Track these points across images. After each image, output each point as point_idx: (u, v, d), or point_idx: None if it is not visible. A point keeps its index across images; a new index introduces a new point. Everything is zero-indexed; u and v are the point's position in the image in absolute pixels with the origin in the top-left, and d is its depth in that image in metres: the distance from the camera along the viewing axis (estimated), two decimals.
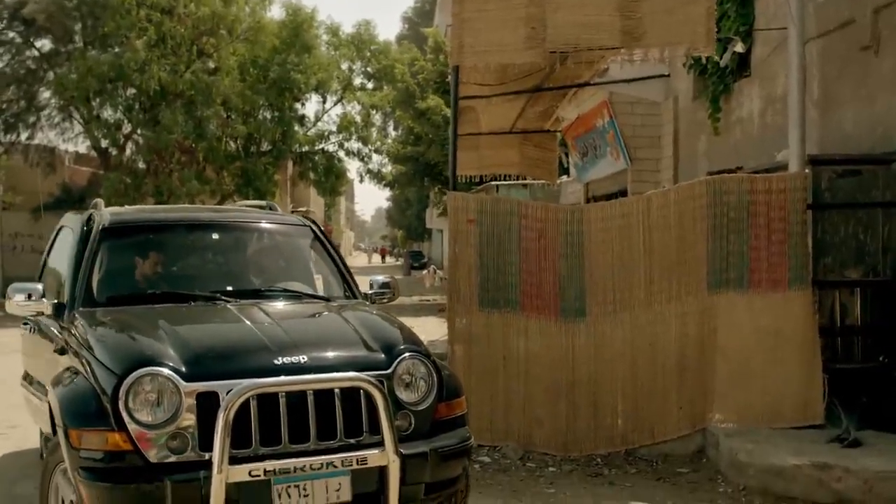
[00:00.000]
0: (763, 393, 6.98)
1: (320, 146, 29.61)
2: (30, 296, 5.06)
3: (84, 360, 4.33)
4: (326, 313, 5.10)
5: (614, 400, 7.13)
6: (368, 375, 4.19)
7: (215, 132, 25.52)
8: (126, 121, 25.93)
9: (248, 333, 4.43)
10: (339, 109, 30.09)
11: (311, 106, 33.65)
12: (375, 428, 4.16)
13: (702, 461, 7.01)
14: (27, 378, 6.25)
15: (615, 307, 7.09)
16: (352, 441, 4.13)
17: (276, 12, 28.64)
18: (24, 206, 27.63)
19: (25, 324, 6.27)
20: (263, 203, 6.80)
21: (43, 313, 5.12)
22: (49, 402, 4.53)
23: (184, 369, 3.99)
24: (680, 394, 7.09)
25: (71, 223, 6.33)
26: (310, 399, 4.06)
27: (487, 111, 14.56)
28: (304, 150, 29.16)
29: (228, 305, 4.98)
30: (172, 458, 3.89)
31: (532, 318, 7.15)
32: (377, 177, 31.07)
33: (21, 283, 5.20)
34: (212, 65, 25.96)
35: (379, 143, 29.39)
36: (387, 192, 75.43)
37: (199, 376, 3.99)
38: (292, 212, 31.82)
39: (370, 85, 30.39)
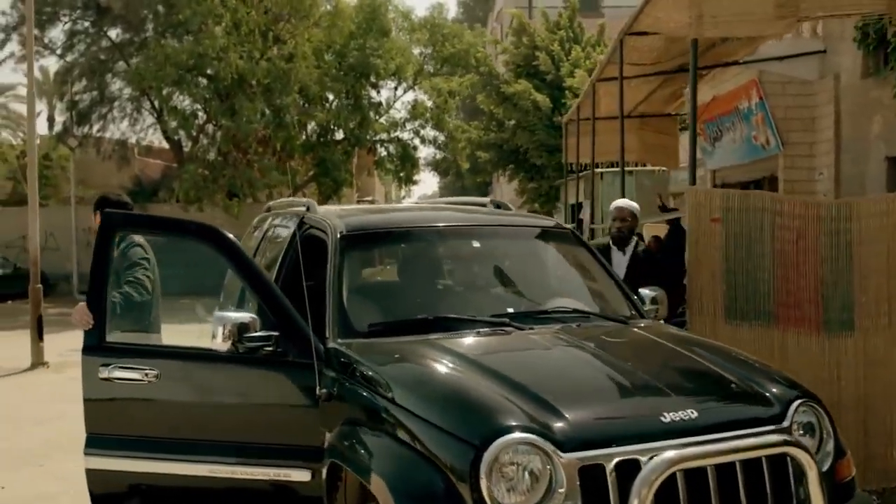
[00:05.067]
0: None
1: (395, 134, 28.63)
2: (245, 326, 4.00)
3: (394, 417, 3.35)
4: (658, 343, 4.12)
5: (889, 427, 6.09)
6: (769, 433, 3.22)
7: (293, 121, 24.62)
8: (202, 111, 25.12)
9: (605, 378, 3.46)
10: (409, 96, 29.12)
11: (383, 93, 32.93)
12: (781, 500, 3.20)
13: None
14: None
15: (890, 319, 6.04)
16: None
17: None
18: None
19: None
20: (485, 200, 5.80)
21: (264, 348, 3.99)
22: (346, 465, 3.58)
23: (556, 434, 3.02)
24: None
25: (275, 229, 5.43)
26: (710, 470, 3.08)
27: (608, 95, 13.57)
28: (379, 137, 28.21)
29: (530, 335, 4.01)
30: None
31: (789, 332, 6.13)
32: (452, 165, 30.07)
33: (227, 313, 4.11)
34: (286, 51, 25.04)
35: (461, 130, 28.27)
36: (436, 179, 74.18)
37: (579, 443, 3.02)
38: (358, 201, 30.94)
39: (443, 70, 29.32)
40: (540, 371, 3.64)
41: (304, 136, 26.75)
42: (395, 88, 29.10)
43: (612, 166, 17.76)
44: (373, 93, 27.61)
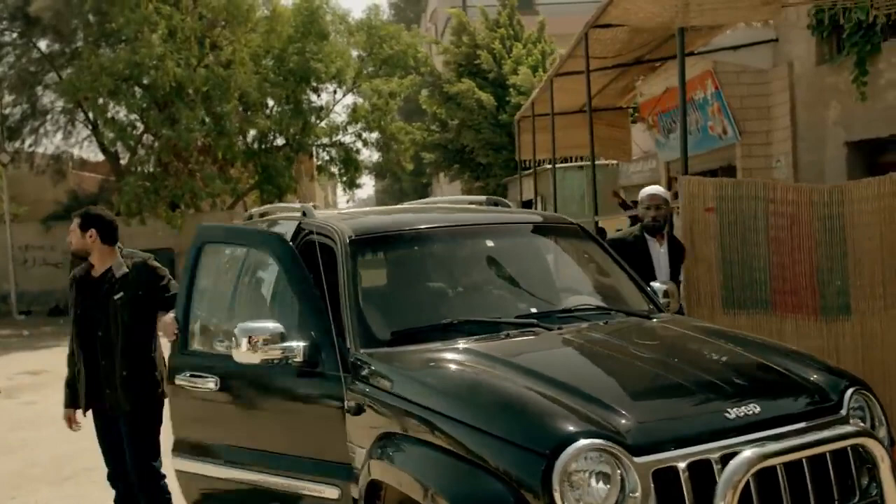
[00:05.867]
0: None
1: (337, 138, 28.28)
2: (266, 340, 3.87)
3: (442, 429, 3.16)
4: (693, 336, 4.01)
5: (889, 410, 6.08)
6: (834, 424, 3.14)
7: (234, 128, 24.15)
8: (139, 121, 24.48)
9: (656, 376, 3.34)
10: (349, 100, 28.81)
11: (323, 97, 31.89)
12: (846, 491, 3.11)
13: None
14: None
15: (886, 302, 6.05)
16: None
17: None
18: (32, 217, 26.16)
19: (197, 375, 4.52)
20: (482, 198, 5.62)
21: (288, 360, 3.90)
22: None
23: (626, 438, 2.88)
24: None
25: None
26: (779, 467, 2.97)
27: (561, 90, 13.57)
28: (321, 142, 27.85)
29: (561, 335, 3.86)
30: None
31: (787, 319, 6.13)
32: (396, 167, 29.76)
33: (251, 324, 3.96)
34: (224, 58, 24.53)
35: (404, 131, 28.02)
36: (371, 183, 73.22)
37: (649, 446, 2.88)
38: None
39: (381, 72, 29.02)
40: (587, 372, 3.50)
41: (244, 144, 26.28)
42: (335, 92, 28.78)
43: (565, 161, 17.78)
44: (313, 97, 27.25)
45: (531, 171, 19.59)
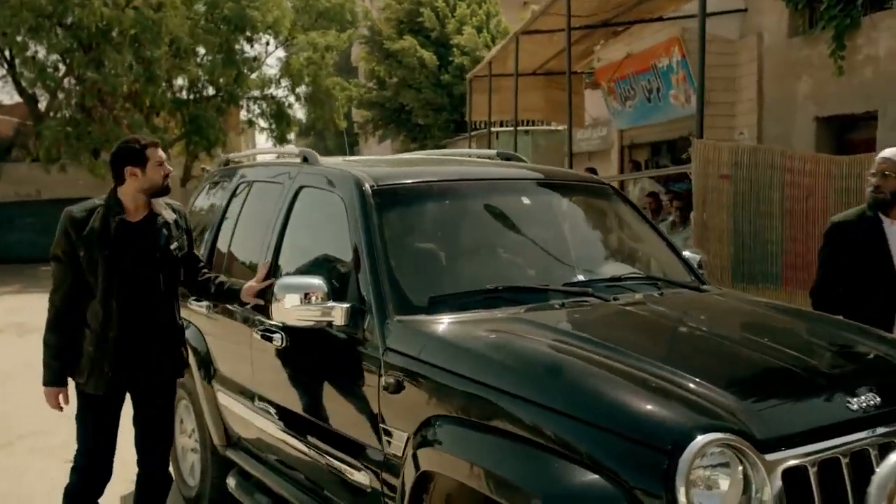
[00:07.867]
0: None
1: (269, 91, 27.30)
2: (307, 296, 3.43)
3: (519, 415, 2.70)
4: (767, 314, 3.62)
5: None
6: None
7: (163, 75, 22.99)
8: (62, 62, 23.12)
9: (758, 359, 2.93)
10: (282, 52, 27.74)
11: (256, 48, 29.77)
12: None
13: None
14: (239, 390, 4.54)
15: None
16: None
17: None
18: None
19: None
20: (492, 152, 5.14)
21: (331, 323, 3.46)
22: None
23: (754, 431, 2.47)
24: None
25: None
26: None
27: (522, 49, 13.14)
28: (252, 94, 26.85)
29: (623, 307, 3.43)
30: None
31: (797, 295, 5.82)
32: (329, 123, 28.87)
33: (292, 279, 3.56)
34: (154, 0, 23.28)
35: (339, 87, 27.12)
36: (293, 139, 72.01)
37: (778, 440, 2.48)
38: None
39: (316, 25, 28.04)
40: (677, 351, 3.08)
41: (172, 92, 25.11)
42: (267, 44, 27.76)
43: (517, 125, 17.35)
44: (247, 47, 26.20)
45: (479, 131, 19.12)
